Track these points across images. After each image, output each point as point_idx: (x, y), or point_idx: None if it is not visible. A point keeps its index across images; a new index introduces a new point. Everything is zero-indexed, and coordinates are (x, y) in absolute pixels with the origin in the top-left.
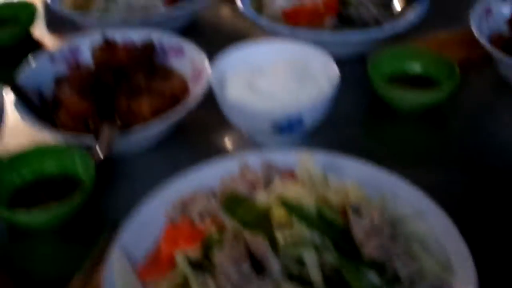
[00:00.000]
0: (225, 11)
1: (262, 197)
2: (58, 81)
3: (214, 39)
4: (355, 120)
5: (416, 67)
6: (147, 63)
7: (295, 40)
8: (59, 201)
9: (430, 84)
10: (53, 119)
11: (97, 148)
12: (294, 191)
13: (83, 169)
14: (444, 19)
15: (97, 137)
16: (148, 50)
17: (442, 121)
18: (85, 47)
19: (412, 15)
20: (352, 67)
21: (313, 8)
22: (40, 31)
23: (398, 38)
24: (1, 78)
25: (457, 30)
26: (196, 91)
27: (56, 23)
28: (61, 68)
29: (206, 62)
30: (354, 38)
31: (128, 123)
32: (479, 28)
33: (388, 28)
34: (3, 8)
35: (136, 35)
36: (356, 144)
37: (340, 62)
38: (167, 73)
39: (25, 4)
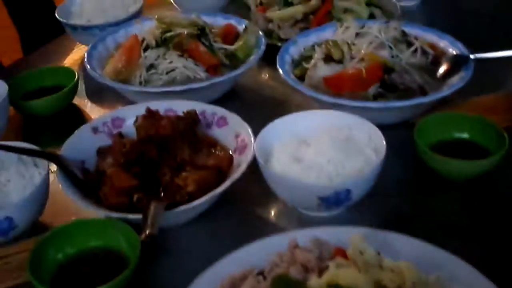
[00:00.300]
0: (265, 77)
1: (315, 284)
2: (101, 153)
3: (255, 106)
4: (401, 188)
5: (463, 133)
6: (190, 134)
7: (337, 108)
8: (105, 281)
9: (479, 150)
10: (97, 192)
11: (144, 226)
12: (349, 276)
13: (127, 245)
14: (489, 82)
15: (143, 214)
16: (191, 121)
17: (492, 189)
18: (128, 118)
19: (457, 79)
20: (396, 132)
21: (356, 75)
22: (80, 99)
23: (443, 102)
24: (43, 149)
25: (503, 93)
26: (241, 163)
27: (97, 91)
28: (104, 139)
29: (250, 133)
30: (398, 106)
31: (172, 197)
32: None
33: (433, 95)
34: (45, 73)
35: (178, 106)
36: (402, 215)
37: (384, 127)
38: (211, 144)
39: (67, 70)
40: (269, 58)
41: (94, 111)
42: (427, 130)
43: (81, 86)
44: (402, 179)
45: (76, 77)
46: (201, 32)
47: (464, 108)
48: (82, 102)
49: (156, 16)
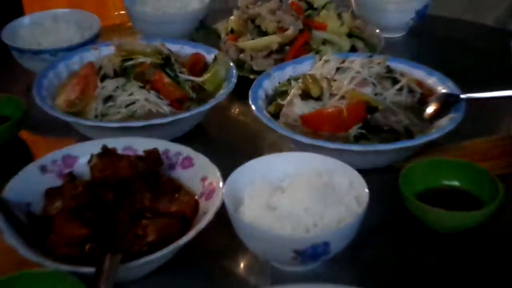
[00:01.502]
0: (235, 112)
1: None
2: (49, 195)
3: (224, 145)
4: (384, 239)
5: (453, 181)
6: (151, 177)
7: (315, 150)
8: None
9: (470, 200)
10: (44, 240)
11: (97, 281)
12: None
13: None
14: (482, 125)
15: (96, 267)
16: (153, 162)
17: (483, 240)
18: (81, 156)
19: (447, 121)
20: (380, 177)
21: (336, 114)
22: (28, 133)
23: (431, 145)
24: None
25: (497, 137)
26: (207, 210)
27: (47, 124)
28: (53, 180)
29: (218, 176)
30: (382, 150)
31: (130, 248)
32: None
33: (420, 138)
34: None
35: (138, 144)
36: (385, 269)
37: (366, 171)
38: (174, 188)
39: (13, 100)
40: (241, 92)
41: (42, 147)
42: (413, 176)
43: (29, 118)
44: (385, 229)
45: (24, 107)
46: (166, 62)
47: (455, 152)
48: (30, 136)
49: (115, 42)
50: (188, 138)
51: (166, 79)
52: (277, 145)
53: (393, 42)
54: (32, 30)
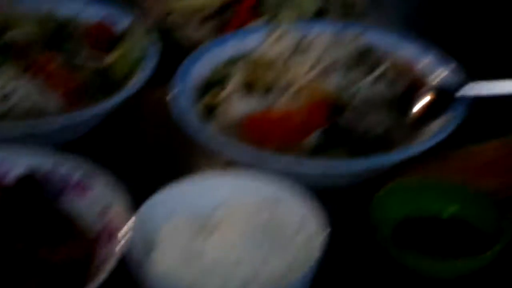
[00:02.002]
0: (158, 102)
1: None
2: None
3: (139, 155)
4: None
5: (445, 206)
6: (25, 212)
7: (259, 168)
8: None
9: (467, 229)
10: None
11: None
12: None
13: None
14: (491, 124)
15: None
16: (27, 193)
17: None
18: None
19: (440, 125)
20: (349, 200)
21: (288, 117)
22: None
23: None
24: None
25: (503, 145)
26: (108, 256)
27: None
28: None
29: (125, 207)
30: (347, 170)
31: None
32: None
33: (401, 151)
34: None
35: (12, 161)
36: None
37: (330, 191)
38: (61, 225)
39: None
40: (169, 72)
41: None
42: (389, 201)
43: None
44: (352, 271)
45: None
46: (57, 35)
47: (452, 164)
48: None
49: None
50: (87, 143)
51: (57, 62)
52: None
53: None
54: None
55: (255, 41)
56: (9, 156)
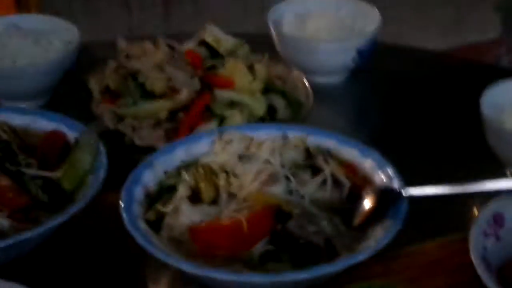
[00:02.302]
0: (110, 211)
1: None
2: None
3: (86, 272)
4: None
5: None
6: None
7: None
8: None
9: None
10: None
11: None
12: None
13: None
14: (432, 223)
15: None
16: None
17: None
18: None
19: (382, 230)
20: None
21: (235, 228)
22: None
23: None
24: None
25: (453, 239)
26: None
27: None
28: None
29: None
30: (296, 279)
31: None
32: (481, 249)
33: (346, 259)
34: None
35: None
36: None
37: None
38: None
39: None
40: (122, 176)
41: None
42: None
43: None
44: None
45: None
46: (4, 153)
47: (398, 264)
48: None
49: None
50: (35, 257)
51: (4, 181)
52: (166, 266)
53: (328, 91)
54: None
55: (205, 146)
56: None
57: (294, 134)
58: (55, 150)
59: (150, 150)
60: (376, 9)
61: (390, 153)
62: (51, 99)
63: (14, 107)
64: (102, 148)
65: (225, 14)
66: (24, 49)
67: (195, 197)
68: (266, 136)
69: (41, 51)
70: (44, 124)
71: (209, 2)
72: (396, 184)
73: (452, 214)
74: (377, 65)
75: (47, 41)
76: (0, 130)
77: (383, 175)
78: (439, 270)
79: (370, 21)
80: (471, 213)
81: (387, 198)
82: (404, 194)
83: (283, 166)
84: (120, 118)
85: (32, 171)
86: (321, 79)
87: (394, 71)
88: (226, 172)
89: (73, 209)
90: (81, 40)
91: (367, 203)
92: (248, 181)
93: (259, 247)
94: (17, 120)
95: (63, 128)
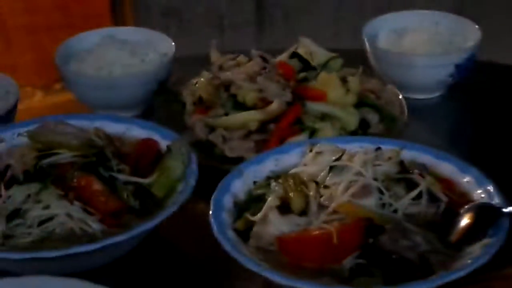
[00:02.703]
0: (199, 219)
1: None
2: None
3: (176, 276)
4: None
5: None
6: None
7: None
8: None
9: None
10: None
11: None
12: None
13: None
14: None
15: None
16: None
17: None
18: None
19: (481, 248)
20: None
21: (324, 239)
22: None
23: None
24: None
25: None
26: None
27: None
28: None
29: None
30: None
31: None
32: None
33: (442, 276)
34: None
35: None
36: None
37: None
38: None
39: None
40: (211, 186)
41: None
42: None
43: None
44: None
45: None
46: (99, 159)
47: (499, 286)
48: None
49: (27, 131)
50: (126, 262)
51: (97, 185)
52: (252, 273)
53: (423, 108)
54: None
55: (295, 158)
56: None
57: (388, 148)
58: (148, 157)
59: (240, 160)
60: (476, 25)
61: (488, 170)
62: (145, 109)
63: (110, 115)
64: (193, 157)
65: (317, 33)
66: (120, 60)
67: (284, 208)
68: (359, 148)
69: (137, 62)
70: (138, 132)
71: (301, 21)
72: (496, 200)
73: None
74: (475, 82)
75: (143, 52)
76: (96, 136)
77: (483, 192)
78: None
79: (469, 36)
80: None
81: (487, 215)
82: (504, 211)
83: (375, 178)
84: (212, 129)
85: (124, 177)
86: (417, 95)
87: (491, 88)
88: (316, 183)
89: (163, 215)
90: (176, 53)
91: (465, 220)
92: (339, 192)
93: (349, 261)
94: (113, 128)
95: (156, 137)
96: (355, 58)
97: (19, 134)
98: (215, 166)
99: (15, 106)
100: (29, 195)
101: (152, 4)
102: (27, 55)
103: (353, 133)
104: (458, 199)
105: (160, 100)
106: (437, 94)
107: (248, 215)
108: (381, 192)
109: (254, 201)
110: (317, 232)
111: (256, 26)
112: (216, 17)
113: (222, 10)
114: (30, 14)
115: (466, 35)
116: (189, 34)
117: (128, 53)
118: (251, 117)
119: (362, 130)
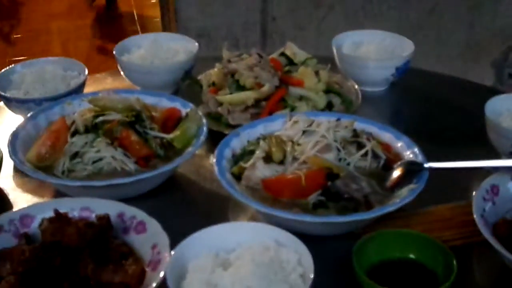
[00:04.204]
0: (209, 167)
1: None
2: (1, 257)
3: (191, 202)
4: None
5: (408, 253)
6: (100, 244)
7: (271, 218)
8: None
9: (424, 273)
10: None
11: None
12: None
13: None
14: (446, 192)
15: None
16: (102, 229)
17: None
18: (39, 216)
19: (407, 191)
20: (339, 244)
21: (295, 181)
22: (5, 181)
23: (388, 215)
24: None
25: (460, 205)
26: (152, 281)
27: (26, 175)
28: (9, 240)
29: (167, 245)
30: (336, 222)
31: None
32: (481, 210)
33: (377, 210)
34: None
35: (96, 205)
36: None
37: (325, 238)
38: (124, 254)
39: None
40: (217, 143)
41: (20, 199)
42: (368, 248)
43: (8, 167)
44: None
45: (1, 155)
46: (136, 119)
47: (415, 219)
48: (7, 185)
49: (89, 97)
50: (153, 194)
51: (133, 137)
52: (243, 206)
53: (373, 96)
54: (22, 77)
55: (278, 125)
56: (93, 203)
57: (345, 120)
58: (172, 120)
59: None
60: (411, 41)
61: (415, 138)
62: (174, 90)
63: (147, 91)
64: (204, 121)
65: (303, 46)
66: (159, 54)
67: (268, 158)
68: (324, 119)
69: (170, 56)
70: (166, 103)
71: (292, 41)
72: (420, 159)
73: (460, 184)
74: (408, 81)
75: (175, 50)
76: (136, 102)
77: (411, 153)
78: (448, 225)
79: (406, 48)
80: (474, 184)
81: (413, 169)
82: (425, 166)
83: (335, 140)
84: (220, 104)
85: (154, 133)
86: (368, 88)
87: (420, 85)
88: (292, 142)
89: (180, 160)
90: (198, 52)
91: (397, 172)
92: (308, 148)
93: (313, 197)
94: (148, 99)
95: (178, 106)
96: (326, 61)
97: (82, 100)
98: (221, 132)
99: (84, 83)
100: (86, 142)
101: (190, 27)
102: None
103: (321, 111)
104: (393, 158)
105: (185, 84)
106: (382, 88)
107: (241, 163)
108: (338, 150)
109: (246, 154)
110: (290, 176)
111: (261, 46)
112: (234, 39)
113: (238, 35)
114: None
115: (404, 48)
116: (214, 50)
117: (164, 50)
118: (249, 96)
119: (328, 109)
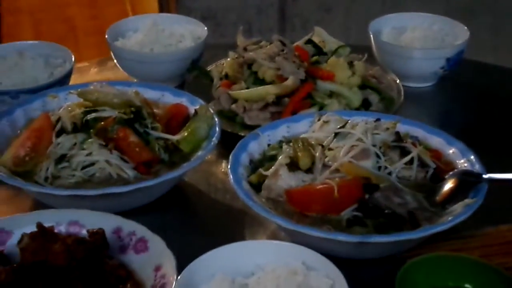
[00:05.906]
0: (221, 174)
1: None
2: None
3: (199, 217)
4: None
5: (464, 282)
6: (91, 265)
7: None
8: None
9: None
10: None
11: None
12: None
13: None
14: (508, 209)
15: None
16: (95, 247)
17: None
18: (16, 232)
19: (462, 207)
20: (380, 270)
21: (326, 193)
22: None
23: (443, 232)
24: None
25: None
26: None
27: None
28: None
29: (173, 267)
30: (375, 242)
31: None
32: None
33: (424, 230)
34: None
35: (86, 219)
36: None
37: (363, 262)
38: (120, 278)
39: None
40: (231, 148)
41: None
42: (415, 274)
43: None
44: None
45: None
46: (136, 116)
47: (472, 242)
48: None
49: (79, 90)
50: (156, 206)
51: (132, 138)
52: (262, 222)
53: (418, 94)
54: None
55: (304, 126)
56: (83, 215)
57: (386, 121)
58: (178, 119)
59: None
60: (465, 27)
61: (470, 143)
62: (180, 83)
63: (148, 83)
64: (216, 120)
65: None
66: (161, 40)
67: (293, 165)
68: (361, 120)
69: (174, 42)
70: (170, 98)
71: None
72: (476, 168)
73: None
74: (462, 75)
75: (180, 34)
76: (135, 97)
77: (465, 161)
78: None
79: (459, 35)
80: None
81: (468, 181)
82: (484, 177)
83: (374, 144)
84: (234, 100)
85: (156, 133)
86: (413, 84)
87: (475, 81)
88: (322, 146)
89: (188, 166)
90: (207, 38)
91: (449, 184)
92: (342, 154)
93: (347, 213)
94: (150, 94)
95: (185, 102)
96: (361, 51)
97: (70, 93)
98: (236, 133)
99: (70, 72)
100: (75, 143)
101: (193, 8)
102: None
103: (356, 110)
104: (444, 167)
105: (192, 76)
106: (430, 83)
107: (261, 170)
108: (378, 156)
109: (267, 160)
110: (320, 186)
111: (278, 32)
112: (246, 23)
113: (251, 18)
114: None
115: (456, 34)
116: (222, 37)
117: (167, 35)
118: (269, 91)
119: (364, 108)
